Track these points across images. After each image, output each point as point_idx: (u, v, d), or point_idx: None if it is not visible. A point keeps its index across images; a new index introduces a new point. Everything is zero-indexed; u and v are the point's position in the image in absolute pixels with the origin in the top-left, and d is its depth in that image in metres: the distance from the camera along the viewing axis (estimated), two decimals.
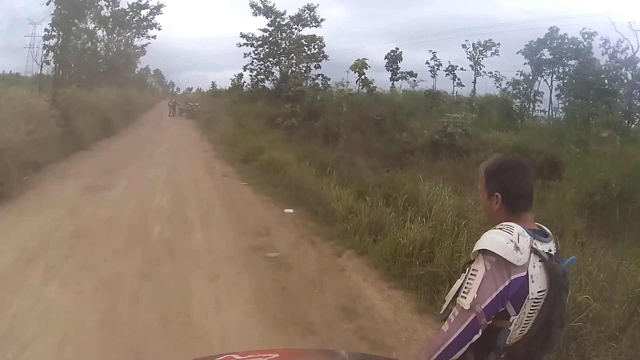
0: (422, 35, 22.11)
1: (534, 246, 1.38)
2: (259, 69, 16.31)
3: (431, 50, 16.07)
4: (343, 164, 8.28)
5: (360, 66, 13.99)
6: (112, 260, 4.76)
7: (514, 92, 16.27)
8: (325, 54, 16.52)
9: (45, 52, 13.41)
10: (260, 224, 6.26)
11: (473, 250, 1.42)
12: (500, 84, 16.28)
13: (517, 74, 16.10)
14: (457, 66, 16.47)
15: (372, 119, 12.88)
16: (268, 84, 16.52)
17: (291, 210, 7.00)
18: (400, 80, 15.84)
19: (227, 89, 16.88)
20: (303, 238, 5.87)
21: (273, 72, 16.29)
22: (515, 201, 1.48)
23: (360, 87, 14.22)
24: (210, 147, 13.46)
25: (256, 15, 17.14)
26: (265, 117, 14.07)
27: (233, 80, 16.12)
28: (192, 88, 19.50)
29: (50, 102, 12.01)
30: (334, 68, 16.15)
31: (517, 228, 1.39)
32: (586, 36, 14.37)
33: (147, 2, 18.27)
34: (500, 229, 1.40)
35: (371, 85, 14.27)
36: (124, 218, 6.25)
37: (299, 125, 13.19)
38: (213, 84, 17.49)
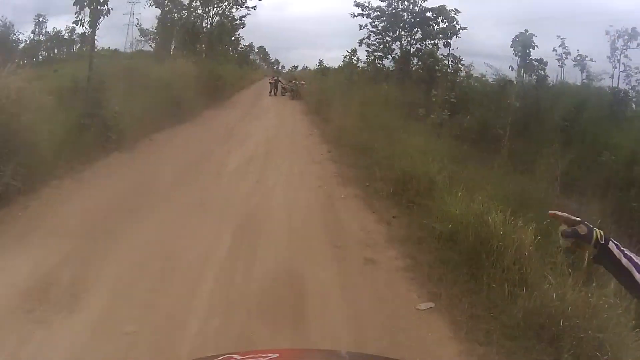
0: (538, 18, 17.51)
1: None
2: (376, 45, 13.85)
3: (559, 36, 12.73)
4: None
5: (527, 43, 10.69)
6: None
7: None
8: (457, 28, 13.11)
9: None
10: None
11: None
12: (630, 81, 12.87)
13: None
14: (586, 56, 13.28)
15: (556, 124, 9.46)
16: (387, 63, 14.04)
17: None
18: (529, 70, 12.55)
19: (336, 67, 14.42)
20: None
21: (393, 49, 13.76)
22: None
23: (525, 74, 10.98)
24: (325, 150, 8.81)
25: None
26: (397, 105, 11.15)
27: (345, 56, 13.52)
28: (297, 66, 17.66)
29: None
30: None
31: None
32: None
33: None
34: None
35: (541, 72, 10.97)
36: None
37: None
38: (320, 62, 15.19)
